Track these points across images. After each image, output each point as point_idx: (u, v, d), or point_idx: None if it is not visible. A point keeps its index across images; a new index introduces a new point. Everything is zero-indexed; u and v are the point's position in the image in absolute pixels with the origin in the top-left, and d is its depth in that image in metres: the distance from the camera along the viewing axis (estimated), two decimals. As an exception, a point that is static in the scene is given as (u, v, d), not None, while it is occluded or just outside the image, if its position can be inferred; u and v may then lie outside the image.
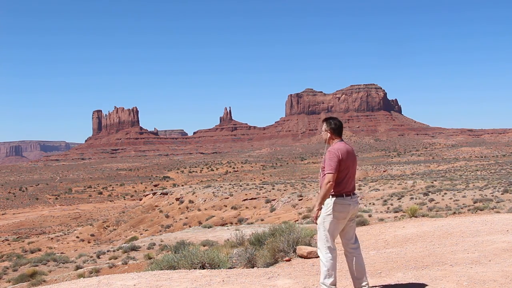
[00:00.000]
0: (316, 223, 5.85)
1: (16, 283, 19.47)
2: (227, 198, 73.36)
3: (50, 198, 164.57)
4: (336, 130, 5.93)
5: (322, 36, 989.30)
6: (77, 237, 74.19)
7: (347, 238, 6.01)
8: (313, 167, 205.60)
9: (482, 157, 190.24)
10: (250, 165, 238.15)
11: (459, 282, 6.05)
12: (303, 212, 46.22)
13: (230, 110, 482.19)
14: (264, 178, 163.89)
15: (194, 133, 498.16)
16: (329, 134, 5.94)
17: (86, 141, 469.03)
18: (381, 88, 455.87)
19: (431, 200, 41.35)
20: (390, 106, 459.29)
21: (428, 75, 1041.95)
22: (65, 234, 78.29)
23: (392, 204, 41.38)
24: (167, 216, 74.69)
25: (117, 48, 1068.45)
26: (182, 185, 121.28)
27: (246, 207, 67.07)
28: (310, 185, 75.42)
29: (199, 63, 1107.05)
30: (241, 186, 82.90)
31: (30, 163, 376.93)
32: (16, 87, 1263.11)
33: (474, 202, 36.68)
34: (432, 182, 65.09)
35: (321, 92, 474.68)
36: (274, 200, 66.27)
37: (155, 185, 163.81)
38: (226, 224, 53.83)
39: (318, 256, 5.92)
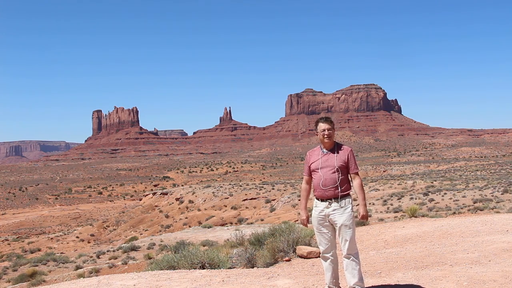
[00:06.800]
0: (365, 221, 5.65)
1: (16, 283, 19.45)
2: (227, 198, 73.35)
3: (50, 198, 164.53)
4: None
5: (322, 36, 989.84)
6: (77, 237, 74.17)
7: None
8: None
9: (482, 157, 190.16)
10: (250, 165, 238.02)
11: (459, 282, 6.06)
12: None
13: (230, 110, 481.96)
14: (264, 178, 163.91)
15: (194, 133, 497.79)
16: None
17: (86, 141, 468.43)
18: (381, 88, 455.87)
19: (431, 200, 41.31)
20: (390, 106, 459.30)
21: (428, 75, 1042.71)
22: (65, 234, 78.27)
23: (392, 204, 41.35)
24: (167, 216, 74.68)
25: (117, 48, 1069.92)
26: (182, 185, 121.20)
27: (246, 207, 67.09)
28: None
29: (199, 63, 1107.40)
30: (241, 186, 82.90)
31: (30, 163, 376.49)
32: (16, 87, 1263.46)
33: (474, 202, 36.65)
34: (432, 182, 65.05)
35: (321, 92, 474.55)
36: (274, 200, 66.25)
37: (155, 185, 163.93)
38: (226, 224, 53.81)
39: (318, 256, 5.87)
